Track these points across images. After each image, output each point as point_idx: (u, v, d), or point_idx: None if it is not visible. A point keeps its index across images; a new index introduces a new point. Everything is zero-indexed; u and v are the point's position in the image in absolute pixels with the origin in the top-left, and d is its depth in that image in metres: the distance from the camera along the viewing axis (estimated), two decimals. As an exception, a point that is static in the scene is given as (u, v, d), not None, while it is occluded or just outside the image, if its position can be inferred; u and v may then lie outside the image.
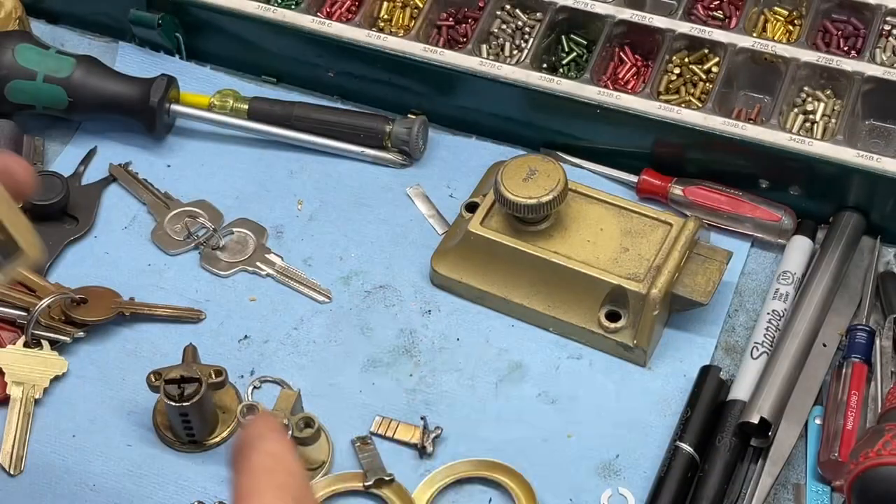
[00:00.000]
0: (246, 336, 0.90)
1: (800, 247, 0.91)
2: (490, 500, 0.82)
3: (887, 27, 0.97)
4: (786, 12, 0.99)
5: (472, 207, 0.92)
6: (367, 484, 0.81)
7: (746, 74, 0.97)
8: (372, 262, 0.93)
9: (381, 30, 1.02)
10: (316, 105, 1.01)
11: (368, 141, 0.99)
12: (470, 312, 0.90)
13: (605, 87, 0.96)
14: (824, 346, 0.87)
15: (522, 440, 0.84)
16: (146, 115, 0.98)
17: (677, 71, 0.97)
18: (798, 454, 0.83)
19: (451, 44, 1.02)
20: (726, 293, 0.90)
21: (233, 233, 0.95)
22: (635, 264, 0.87)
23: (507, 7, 1.02)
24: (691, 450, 0.81)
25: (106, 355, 0.89)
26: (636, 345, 0.86)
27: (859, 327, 0.86)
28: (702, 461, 0.81)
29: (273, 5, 1.02)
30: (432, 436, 0.84)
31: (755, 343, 0.86)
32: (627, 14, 0.98)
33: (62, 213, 0.95)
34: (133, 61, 1.04)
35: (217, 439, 0.85)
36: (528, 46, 0.98)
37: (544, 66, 0.99)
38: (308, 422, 0.80)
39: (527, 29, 1.01)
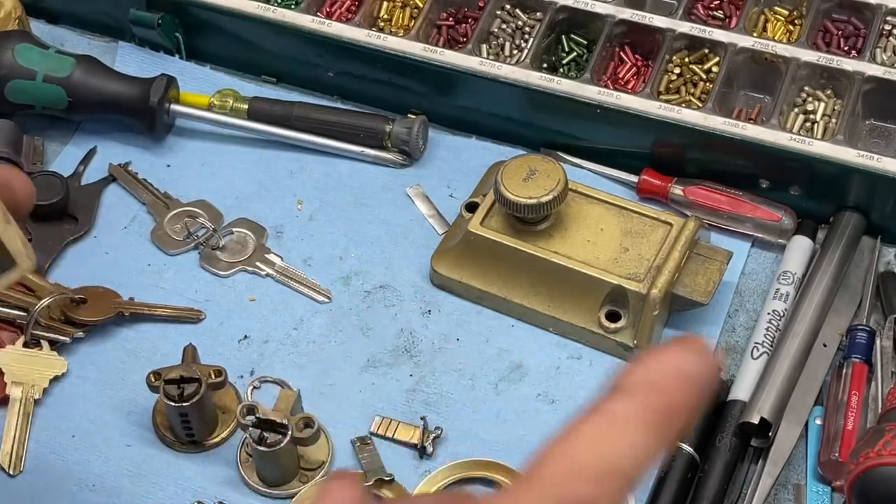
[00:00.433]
0: (246, 336, 0.90)
1: (800, 247, 0.91)
2: (490, 500, 0.82)
3: (888, 27, 0.97)
4: (786, 12, 0.99)
5: (472, 207, 0.92)
6: (367, 484, 0.81)
7: (747, 74, 0.97)
8: (372, 262, 0.93)
9: (381, 30, 1.02)
10: (316, 105, 1.01)
11: (368, 141, 0.98)
12: (470, 312, 0.90)
13: (606, 86, 0.96)
14: (825, 346, 0.86)
15: (522, 440, 0.84)
16: (146, 115, 0.98)
17: (677, 71, 0.97)
18: (798, 454, 0.83)
19: (451, 44, 1.01)
20: (726, 293, 0.90)
21: (233, 233, 0.95)
22: (635, 264, 0.87)
23: (507, 7, 1.01)
24: (691, 450, 0.81)
25: (105, 355, 0.89)
26: (636, 345, 0.86)
27: (860, 327, 0.86)
28: (702, 461, 0.81)
29: (273, 5, 1.02)
30: (432, 436, 0.83)
31: (755, 343, 0.86)
32: (628, 14, 0.98)
33: (62, 213, 0.95)
34: (133, 61, 1.04)
35: (217, 439, 0.85)
36: (529, 46, 0.98)
37: (544, 65, 0.99)
38: (308, 422, 0.80)
39: (527, 29, 1.01)
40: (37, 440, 0.85)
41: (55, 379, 0.87)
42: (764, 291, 0.91)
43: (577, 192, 0.90)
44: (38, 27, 1.07)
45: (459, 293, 0.91)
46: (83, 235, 0.95)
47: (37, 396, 0.86)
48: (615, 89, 0.95)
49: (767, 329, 0.87)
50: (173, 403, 0.81)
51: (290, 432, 0.79)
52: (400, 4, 1.04)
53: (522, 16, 1.01)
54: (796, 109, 0.95)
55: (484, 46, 1.00)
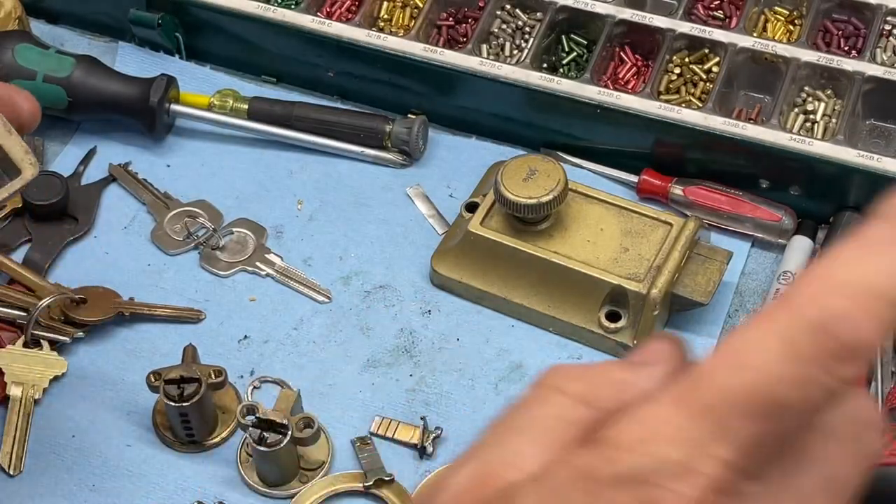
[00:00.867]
0: (246, 336, 0.90)
1: (800, 247, 0.91)
2: (490, 500, 0.82)
3: (888, 27, 0.97)
4: (786, 12, 0.99)
5: (472, 207, 0.92)
6: (366, 484, 0.81)
7: (747, 74, 0.97)
8: (372, 262, 0.93)
9: (381, 29, 1.02)
10: (316, 105, 1.01)
11: (368, 141, 0.98)
12: (470, 312, 0.90)
13: (606, 86, 0.96)
14: (825, 346, 0.86)
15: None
16: (146, 115, 0.98)
17: (677, 71, 0.97)
18: (798, 454, 0.82)
19: (451, 44, 1.01)
20: (726, 293, 0.90)
21: (232, 233, 0.95)
22: (635, 264, 0.87)
23: (508, 7, 1.01)
24: (691, 450, 0.81)
25: (105, 355, 0.89)
26: (636, 345, 0.86)
27: (860, 327, 0.86)
28: (702, 461, 0.81)
29: (273, 5, 1.02)
30: (432, 436, 0.83)
31: (755, 343, 0.86)
32: (628, 14, 0.98)
33: (62, 213, 0.95)
34: (133, 61, 1.04)
35: (217, 439, 0.85)
36: (529, 46, 0.98)
37: (544, 65, 0.99)
38: (308, 422, 0.80)
39: (527, 29, 1.01)
40: (37, 440, 0.85)
41: (55, 379, 0.87)
42: (764, 291, 0.91)
43: (577, 192, 0.90)
44: (38, 27, 1.07)
45: (459, 293, 0.91)
46: (83, 235, 0.95)
47: (37, 396, 0.86)
48: (615, 89, 0.95)
49: (767, 329, 0.87)
50: (173, 403, 0.81)
51: (290, 432, 0.79)
52: (400, 4, 1.04)
53: (522, 16, 1.01)
54: (796, 109, 0.95)
55: (484, 46, 1.00)
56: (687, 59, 0.97)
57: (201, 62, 1.06)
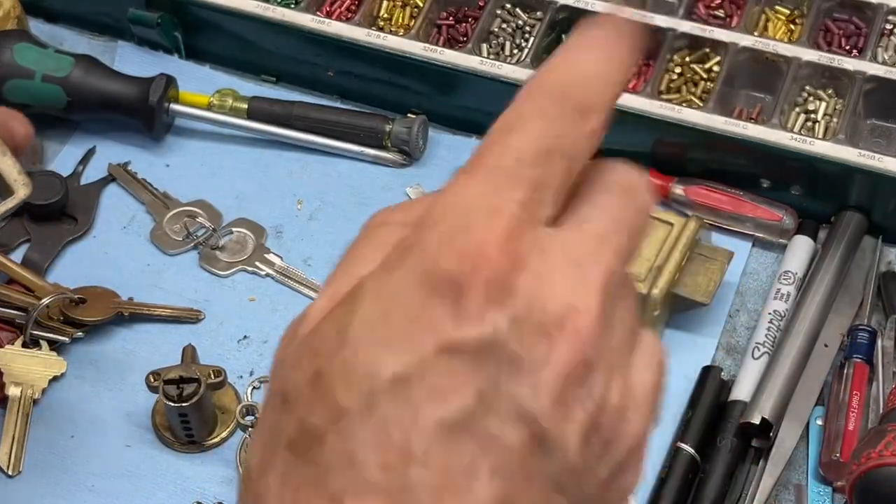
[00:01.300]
0: (245, 336, 0.89)
1: (801, 247, 0.91)
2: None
3: (889, 26, 0.96)
4: (787, 11, 0.99)
5: (472, 207, 0.92)
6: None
7: (748, 74, 0.96)
8: (372, 261, 0.93)
9: (380, 29, 1.02)
10: (316, 105, 1.01)
11: (368, 140, 0.98)
12: (470, 312, 0.90)
13: (606, 86, 0.95)
14: (826, 346, 0.86)
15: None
16: (145, 115, 0.98)
17: (678, 70, 0.97)
18: (799, 455, 0.82)
19: (451, 43, 1.01)
20: (727, 293, 0.90)
21: (232, 233, 0.95)
22: (636, 264, 0.87)
23: (508, 6, 1.01)
24: (692, 450, 0.81)
25: (105, 355, 0.89)
26: (637, 345, 0.86)
27: (861, 327, 0.86)
28: (703, 462, 0.81)
29: (273, 5, 1.02)
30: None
31: (756, 343, 0.86)
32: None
33: (61, 213, 0.95)
34: (132, 61, 1.04)
35: (216, 440, 0.84)
36: (529, 46, 0.98)
37: (545, 65, 0.98)
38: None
39: (527, 28, 1.01)
40: (36, 440, 0.85)
41: (54, 379, 0.87)
42: (765, 291, 0.90)
43: (577, 191, 0.90)
44: (37, 26, 1.07)
45: (459, 293, 0.91)
46: (82, 235, 0.95)
47: (36, 396, 0.86)
48: (616, 89, 0.95)
49: (768, 329, 0.87)
50: (173, 404, 0.81)
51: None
52: (400, 4, 1.04)
53: (523, 15, 1.01)
54: (797, 109, 0.95)
55: (484, 46, 1.00)
56: (688, 59, 0.97)
57: (201, 62, 1.05)
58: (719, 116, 0.92)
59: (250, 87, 1.03)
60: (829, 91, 0.95)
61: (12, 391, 0.86)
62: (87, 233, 0.95)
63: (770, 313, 0.88)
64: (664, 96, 0.95)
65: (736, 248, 0.90)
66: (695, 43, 0.97)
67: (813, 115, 0.94)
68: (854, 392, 0.82)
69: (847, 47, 0.97)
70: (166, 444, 0.84)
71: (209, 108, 1.01)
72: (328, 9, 1.03)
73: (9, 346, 0.88)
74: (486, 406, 0.35)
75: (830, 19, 0.98)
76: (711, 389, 0.84)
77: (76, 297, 0.89)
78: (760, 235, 0.93)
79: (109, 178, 0.98)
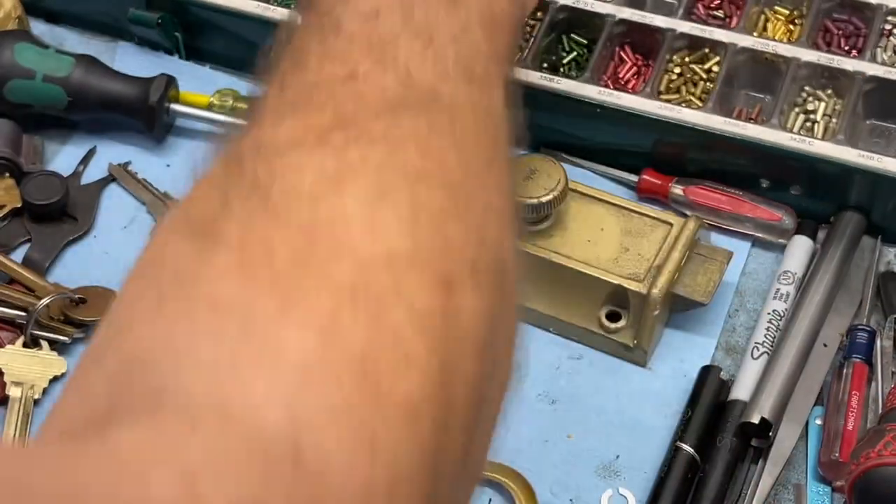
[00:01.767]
0: (245, 336, 0.89)
1: (800, 247, 0.91)
2: (490, 500, 0.82)
3: (888, 26, 0.96)
4: (787, 12, 0.99)
5: (472, 207, 0.92)
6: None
7: (747, 74, 0.97)
8: (372, 261, 0.93)
9: (381, 29, 1.02)
10: (316, 105, 1.01)
11: (368, 140, 0.98)
12: (470, 312, 0.90)
13: (606, 86, 0.96)
14: (825, 346, 0.86)
15: (522, 440, 0.84)
16: (146, 115, 0.98)
17: (678, 70, 0.97)
18: (799, 454, 0.82)
19: (452, 43, 1.01)
20: (727, 293, 0.90)
21: (232, 232, 0.95)
22: (636, 264, 0.87)
23: (508, 6, 1.01)
24: (692, 450, 0.81)
25: (105, 355, 0.89)
26: (636, 345, 0.86)
27: (860, 327, 0.86)
28: (702, 461, 0.81)
29: (273, 5, 1.02)
30: (432, 436, 0.83)
31: (756, 343, 0.86)
32: (628, 13, 0.98)
33: (61, 212, 0.95)
34: (132, 61, 1.04)
35: (216, 439, 0.84)
36: (529, 46, 0.98)
37: (545, 65, 0.99)
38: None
39: (527, 28, 1.01)
40: (36, 440, 0.85)
41: (55, 379, 0.87)
42: (764, 291, 0.90)
43: (577, 192, 0.90)
44: (37, 27, 1.07)
45: (459, 293, 0.91)
46: (83, 235, 0.95)
47: (36, 396, 0.86)
48: (615, 89, 0.95)
49: (768, 329, 0.87)
50: (173, 403, 0.81)
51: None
52: (400, 4, 1.04)
53: (522, 15, 1.01)
54: (797, 109, 0.95)
55: (484, 46, 1.00)
56: (687, 59, 0.97)
57: (201, 62, 1.05)
58: (719, 117, 0.92)
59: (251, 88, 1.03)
60: (829, 91, 0.95)
61: (13, 391, 0.86)
62: (87, 233, 0.95)
63: (769, 313, 0.88)
64: (663, 96, 0.95)
65: (735, 248, 0.90)
66: (694, 43, 0.97)
67: (812, 116, 0.94)
68: (853, 392, 0.82)
69: (846, 47, 0.97)
70: (167, 444, 0.84)
71: (210, 108, 1.01)
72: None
73: (9, 346, 0.88)
74: None
75: (830, 19, 0.98)
76: (711, 389, 0.84)
77: (77, 297, 0.89)
78: (760, 235, 0.93)
79: (110, 178, 0.99)
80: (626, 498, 0.81)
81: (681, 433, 0.82)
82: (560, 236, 0.89)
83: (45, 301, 0.88)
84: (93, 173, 0.99)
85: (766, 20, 1.00)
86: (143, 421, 0.35)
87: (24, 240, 0.94)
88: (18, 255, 0.93)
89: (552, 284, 0.87)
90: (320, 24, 0.48)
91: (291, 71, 0.47)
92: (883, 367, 0.84)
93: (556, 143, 0.97)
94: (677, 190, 0.94)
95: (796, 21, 0.99)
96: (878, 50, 0.96)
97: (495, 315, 0.43)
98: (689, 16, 0.99)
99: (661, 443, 0.83)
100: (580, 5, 0.99)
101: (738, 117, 0.94)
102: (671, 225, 0.88)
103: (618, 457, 0.83)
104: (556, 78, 0.95)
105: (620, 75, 0.99)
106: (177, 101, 1.00)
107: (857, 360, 0.84)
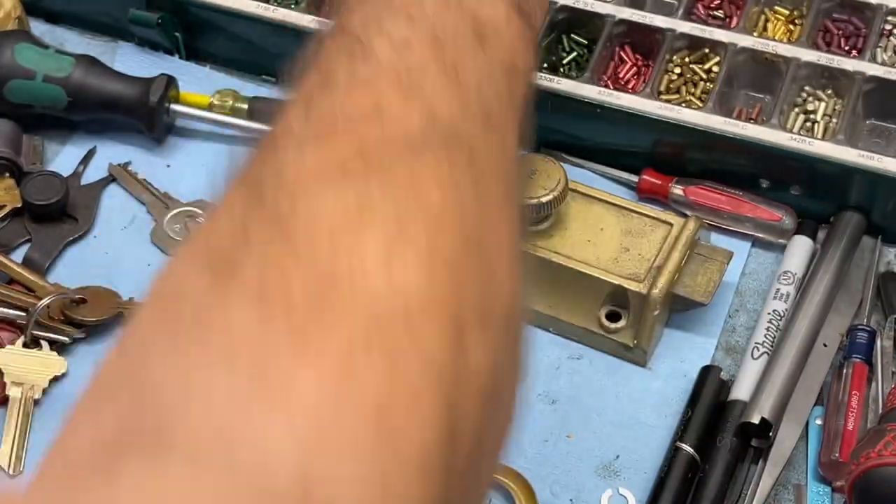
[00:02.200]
0: (245, 336, 0.89)
1: (800, 247, 0.91)
2: (490, 500, 0.82)
3: (888, 27, 0.96)
4: (787, 12, 0.99)
5: (472, 207, 0.92)
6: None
7: (747, 74, 0.97)
8: (372, 262, 0.93)
9: (381, 29, 1.02)
10: (316, 105, 1.01)
11: (368, 141, 0.98)
12: (470, 312, 0.90)
13: (606, 86, 0.96)
14: (825, 346, 0.86)
15: (522, 440, 0.84)
16: (146, 115, 0.98)
17: (678, 70, 0.97)
18: (799, 454, 0.82)
19: (452, 43, 1.01)
20: (727, 293, 0.90)
21: (232, 233, 0.95)
22: (636, 264, 0.87)
23: (508, 7, 1.01)
24: (692, 450, 0.81)
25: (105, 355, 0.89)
26: (636, 345, 0.86)
27: (860, 327, 0.86)
28: (702, 461, 0.81)
29: (273, 5, 1.02)
30: (432, 436, 0.83)
31: (756, 343, 0.86)
32: (628, 13, 0.98)
33: (61, 212, 0.95)
34: (132, 61, 1.04)
35: (216, 439, 0.84)
36: (529, 46, 0.98)
37: (545, 65, 0.99)
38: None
39: (527, 28, 1.01)
40: (36, 440, 0.85)
41: (55, 379, 0.87)
42: (764, 291, 0.90)
43: (577, 192, 0.90)
44: (37, 27, 1.07)
45: (459, 293, 0.91)
46: (83, 235, 0.95)
47: (36, 396, 0.86)
48: (615, 89, 0.95)
49: (768, 329, 0.87)
50: (173, 403, 0.81)
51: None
52: (400, 4, 1.04)
53: (522, 15, 1.01)
54: (797, 109, 0.95)
55: (484, 46, 1.00)
56: (687, 59, 0.97)
57: (201, 62, 1.05)
58: (719, 117, 0.92)
59: (251, 88, 1.03)
60: (829, 91, 0.95)
61: (13, 391, 0.86)
62: (87, 233, 0.95)
63: (769, 313, 0.88)
64: (663, 97, 0.95)
65: (735, 249, 0.90)
66: (694, 43, 0.97)
67: (812, 116, 0.94)
68: (853, 392, 0.82)
69: (846, 48, 0.97)
70: (167, 444, 0.84)
71: (210, 108, 1.01)
72: (328, 9, 1.03)
73: (9, 346, 0.88)
74: None
75: (830, 20, 0.98)
76: (711, 389, 0.84)
77: (76, 297, 0.89)
78: (760, 235, 0.93)
79: (110, 179, 0.99)
80: (626, 498, 0.81)
81: (681, 433, 0.82)
82: (560, 236, 0.89)
83: (45, 301, 0.88)
84: (93, 173, 0.99)
85: (766, 20, 1.00)
86: (150, 461, 0.34)
87: (24, 240, 0.94)
88: (18, 255, 0.93)
89: (552, 284, 0.87)
90: (351, 45, 0.47)
91: (318, 92, 0.47)
92: (883, 367, 0.84)
93: (556, 143, 0.97)
94: (677, 190, 0.94)
95: (796, 21, 0.99)
96: (878, 50, 0.96)
97: (502, 361, 0.42)
98: (689, 16, 0.99)
99: (660, 443, 0.83)
100: (580, 5, 0.99)
101: (738, 117, 0.94)
102: (671, 225, 0.88)
103: (618, 457, 0.83)
104: (556, 78, 0.95)
105: (620, 75, 0.99)
106: (177, 101, 1.00)
107: (857, 360, 0.84)
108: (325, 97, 0.46)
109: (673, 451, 0.81)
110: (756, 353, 0.86)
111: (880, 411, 0.81)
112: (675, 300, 0.87)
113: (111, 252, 0.94)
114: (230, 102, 1.01)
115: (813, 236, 0.92)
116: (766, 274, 0.92)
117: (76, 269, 0.93)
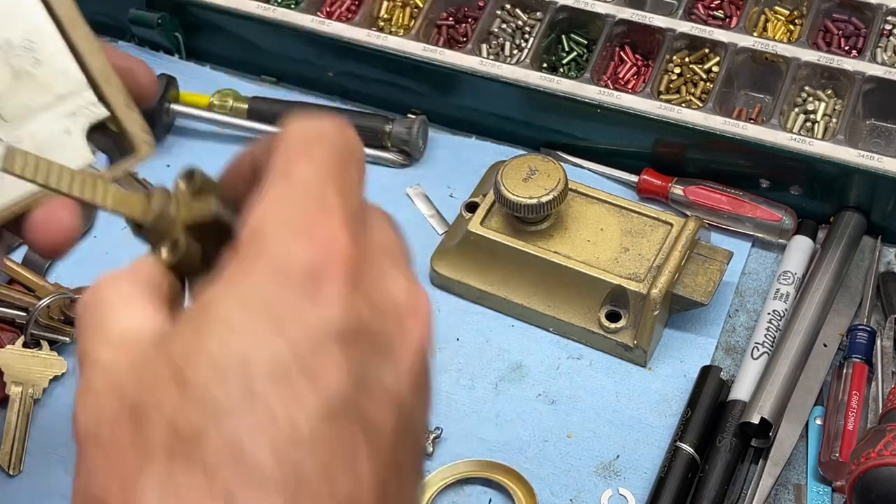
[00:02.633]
0: (245, 336, 0.89)
1: (800, 247, 0.91)
2: (490, 500, 0.82)
3: (888, 27, 0.97)
4: (786, 12, 0.99)
5: (472, 207, 0.92)
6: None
7: (747, 74, 0.97)
8: (372, 262, 0.93)
9: (380, 29, 1.02)
10: (316, 105, 1.01)
11: (368, 141, 0.98)
12: (470, 312, 0.90)
13: (606, 86, 0.96)
14: (825, 346, 0.86)
15: (522, 440, 0.84)
16: (146, 115, 0.98)
17: (678, 70, 0.97)
18: (799, 454, 0.82)
19: (451, 43, 1.01)
20: (727, 293, 0.90)
21: (232, 233, 0.95)
22: (635, 264, 0.87)
23: (508, 6, 1.01)
24: (692, 450, 0.81)
25: (105, 355, 0.89)
26: (636, 345, 0.86)
27: (860, 327, 0.86)
28: (702, 461, 0.81)
29: (273, 5, 1.02)
30: (432, 436, 0.83)
31: (756, 343, 0.86)
32: (628, 13, 0.98)
33: (62, 212, 0.95)
34: (133, 61, 1.04)
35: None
36: (529, 46, 0.98)
37: (544, 65, 0.99)
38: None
39: (527, 28, 1.01)
40: (36, 440, 0.85)
41: (55, 379, 0.87)
42: (764, 291, 0.90)
43: (577, 192, 0.90)
44: (37, 27, 1.07)
45: (459, 293, 0.91)
46: (83, 235, 0.95)
47: (36, 396, 0.86)
48: (615, 89, 0.95)
49: (768, 329, 0.87)
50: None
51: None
52: (400, 4, 1.04)
53: (522, 15, 1.01)
54: (797, 109, 0.95)
55: (484, 46, 1.00)
56: (687, 59, 0.97)
57: (201, 62, 1.06)
58: (719, 117, 0.92)
59: (251, 88, 1.03)
60: (829, 91, 0.95)
61: (13, 391, 0.86)
62: (88, 233, 0.95)
63: (769, 313, 0.88)
64: (664, 97, 0.96)
65: (735, 248, 0.90)
66: (694, 43, 0.97)
67: (812, 116, 0.94)
68: (853, 392, 0.82)
69: (846, 48, 0.97)
70: (167, 444, 0.84)
71: (210, 108, 1.01)
72: (328, 9, 1.04)
73: (9, 346, 0.88)
74: (362, 389, 0.37)
75: (830, 20, 0.98)
76: (711, 389, 0.84)
77: (77, 297, 0.89)
78: (760, 235, 0.93)
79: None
80: (626, 498, 0.81)
81: (680, 433, 0.82)
82: (560, 236, 0.89)
83: (45, 301, 0.88)
84: (93, 173, 0.99)
85: (766, 20, 1.00)
86: None
87: (25, 240, 0.94)
88: (18, 255, 0.93)
89: (552, 284, 0.88)
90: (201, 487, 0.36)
91: None
92: (883, 367, 0.84)
93: (556, 143, 0.98)
94: (677, 190, 0.94)
95: (796, 21, 0.99)
96: (878, 50, 0.96)
97: None
98: (689, 16, 0.99)
99: (660, 443, 0.83)
100: (580, 5, 0.99)
101: (738, 117, 0.94)
102: (671, 225, 0.88)
103: (618, 457, 0.83)
104: (556, 78, 0.95)
105: (620, 75, 0.99)
106: (177, 101, 1.00)
107: (857, 360, 0.84)
108: None
109: (673, 451, 0.81)
110: (756, 353, 0.86)
111: (880, 411, 0.81)
112: (675, 300, 0.87)
113: (111, 252, 0.94)
114: (230, 102, 1.01)
115: (813, 236, 0.92)
116: (766, 274, 0.92)
117: (76, 269, 0.93)
